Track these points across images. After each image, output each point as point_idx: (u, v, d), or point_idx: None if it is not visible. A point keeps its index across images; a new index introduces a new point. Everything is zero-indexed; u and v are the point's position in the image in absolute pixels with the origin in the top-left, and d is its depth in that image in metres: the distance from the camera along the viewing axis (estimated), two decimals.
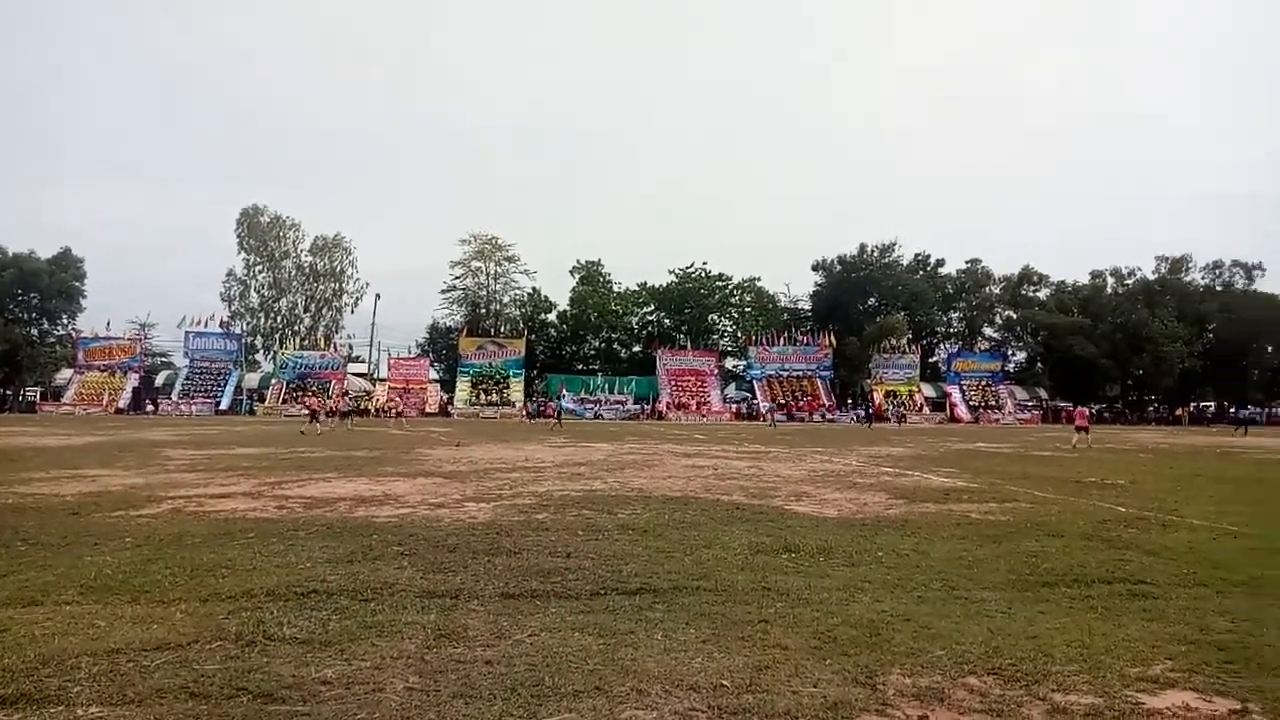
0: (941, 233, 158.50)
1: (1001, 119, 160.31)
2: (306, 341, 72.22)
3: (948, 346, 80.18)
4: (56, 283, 71.66)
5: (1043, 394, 74.53)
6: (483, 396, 65.37)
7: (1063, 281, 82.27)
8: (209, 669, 4.48)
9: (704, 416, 62.10)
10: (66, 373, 66.05)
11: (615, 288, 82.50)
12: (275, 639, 5.03)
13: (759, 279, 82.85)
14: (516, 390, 66.44)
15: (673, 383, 67.24)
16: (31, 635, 5.02)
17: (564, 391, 65.19)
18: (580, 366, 79.56)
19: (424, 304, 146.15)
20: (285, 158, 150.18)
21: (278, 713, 3.96)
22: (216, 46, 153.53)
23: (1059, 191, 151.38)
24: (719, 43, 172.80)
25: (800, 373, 68.88)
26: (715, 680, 4.40)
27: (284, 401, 62.20)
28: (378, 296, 76.53)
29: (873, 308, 79.30)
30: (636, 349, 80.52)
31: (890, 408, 62.42)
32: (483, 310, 79.29)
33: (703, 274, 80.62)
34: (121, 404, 61.87)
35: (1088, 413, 31.78)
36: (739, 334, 79.24)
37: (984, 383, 70.19)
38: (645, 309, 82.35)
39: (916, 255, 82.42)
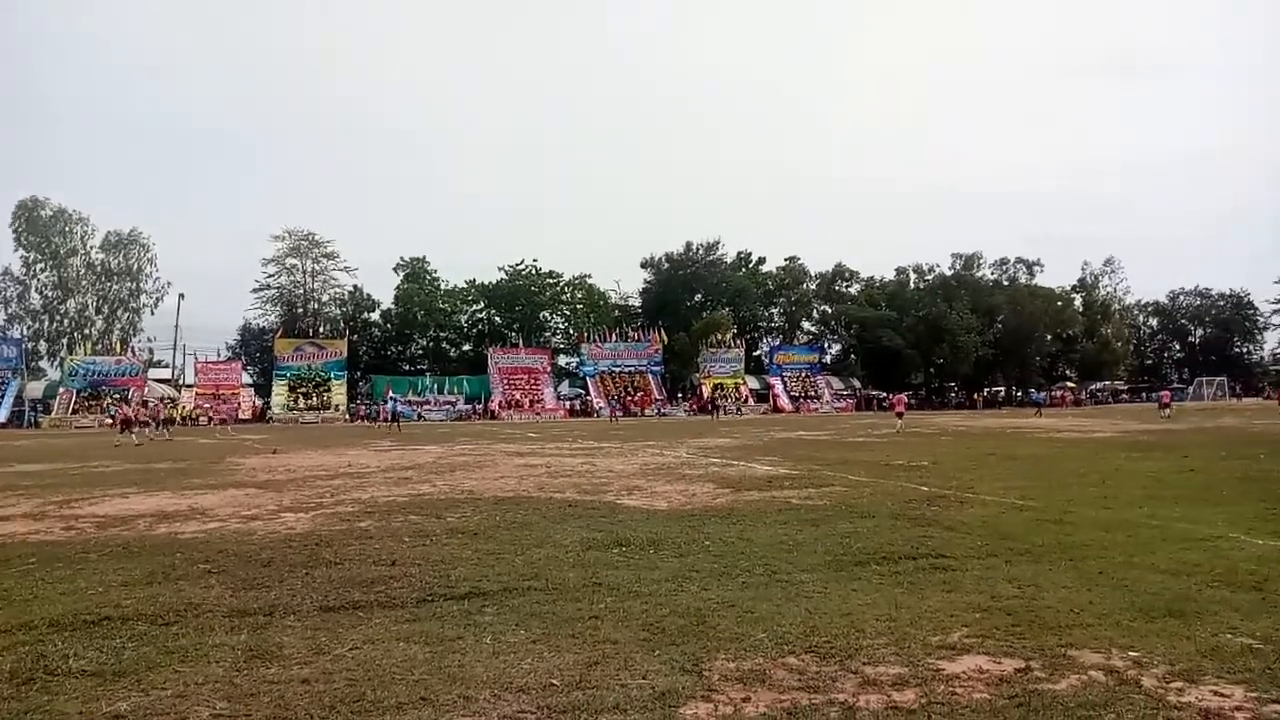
0: (760, 231, 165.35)
1: (799, 123, 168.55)
2: (100, 346, 65.96)
3: (770, 340, 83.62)
4: None
5: (856, 384, 79.25)
6: (302, 400, 62.10)
7: (872, 278, 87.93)
8: None
9: (538, 415, 61.76)
10: None
11: (443, 285, 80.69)
12: (59, 673, 4.56)
13: (590, 276, 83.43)
14: (339, 393, 63.52)
15: (505, 381, 66.46)
16: None
17: (390, 393, 63.00)
18: (407, 367, 77.20)
19: (235, 304, 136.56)
20: (68, 147, 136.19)
21: None
22: None
23: (859, 192, 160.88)
24: (541, 42, 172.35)
25: (632, 368, 69.83)
26: (545, 680, 4.37)
27: (75, 412, 56.58)
28: (181, 296, 71.10)
29: (700, 304, 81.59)
30: (467, 348, 79.02)
31: (725, 402, 64.31)
32: (300, 310, 75.29)
33: (533, 271, 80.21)
34: None
35: (905, 399, 34.24)
36: (571, 331, 79.36)
37: (804, 374, 73.76)
38: (475, 307, 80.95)
39: (739, 253, 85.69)
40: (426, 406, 62.10)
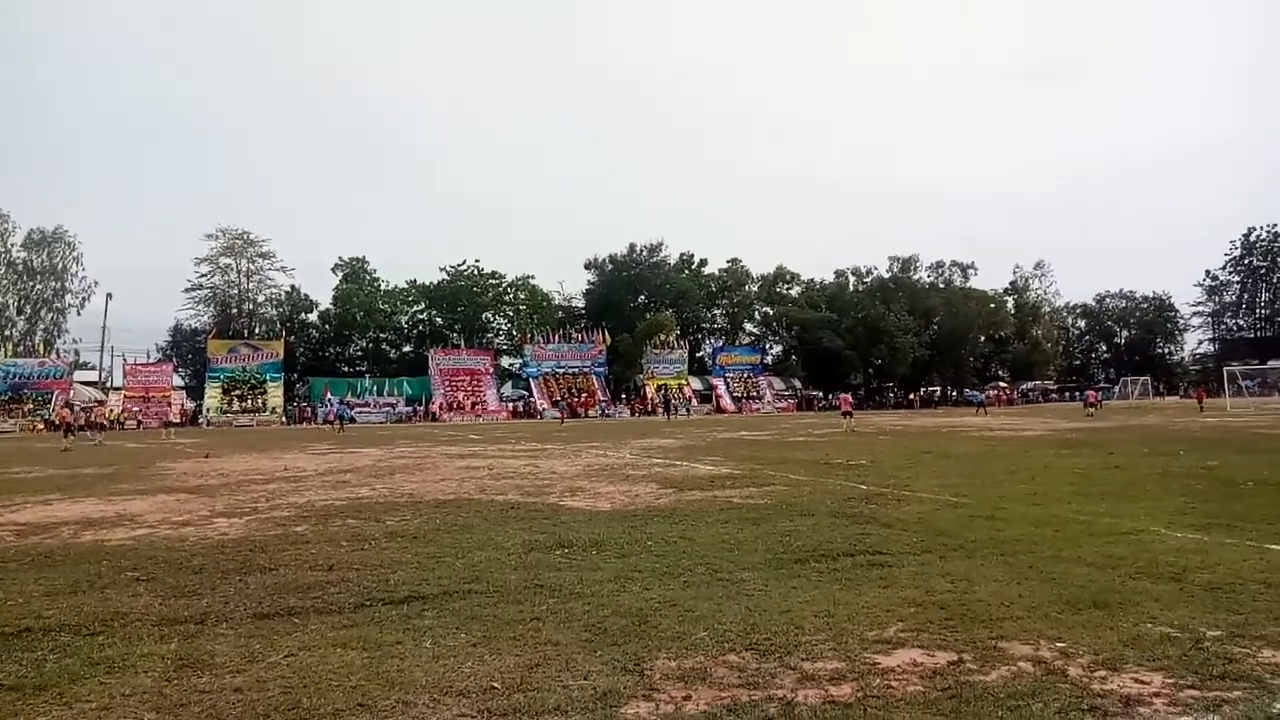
0: (703, 233, 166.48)
1: (740, 126, 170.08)
2: (21, 347, 63.43)
3: (713, 341, 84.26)
4: None
5: (797, 384, 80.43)
6: (237, 403, 60.56)
7: (812, 280, 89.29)
8: None
9: (480, 416, 61.24)
10: None
11: (383, 286, 79.55)
12: None
13: (533, 277, 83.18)
14: (275, 395, 62.10)
15: (446, 383, 65.73)
16: None
17: (329, 395, 61.85)
18: (346, 368, 75.93)
19: (166, 305, 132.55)
20: None
21: None
22: None
23: (802, 194, 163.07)
24: (483, 41, 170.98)
25: (576, 369, 69.70)
26: (485, 683, 4.34)
27: None
28: (109, 296, 68.95)
29: (643, 305, 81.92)
30: (407, 349, 78.10)
31: (678, 402, 64.46)
32: (234, 310, 73.57)
33: (475, 272, 79.61)
34: None
35: (851, 399, 34.99)
36: (514, 332, 78.96)
37: (746, 375, 74.53)
38: (415, 307, 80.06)
39: (682, 255, 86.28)
40: (366, 409, 61.10)
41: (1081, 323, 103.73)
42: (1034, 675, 4.32)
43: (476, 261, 79.74)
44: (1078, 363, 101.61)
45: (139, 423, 52.58)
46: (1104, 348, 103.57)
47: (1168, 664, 4.44)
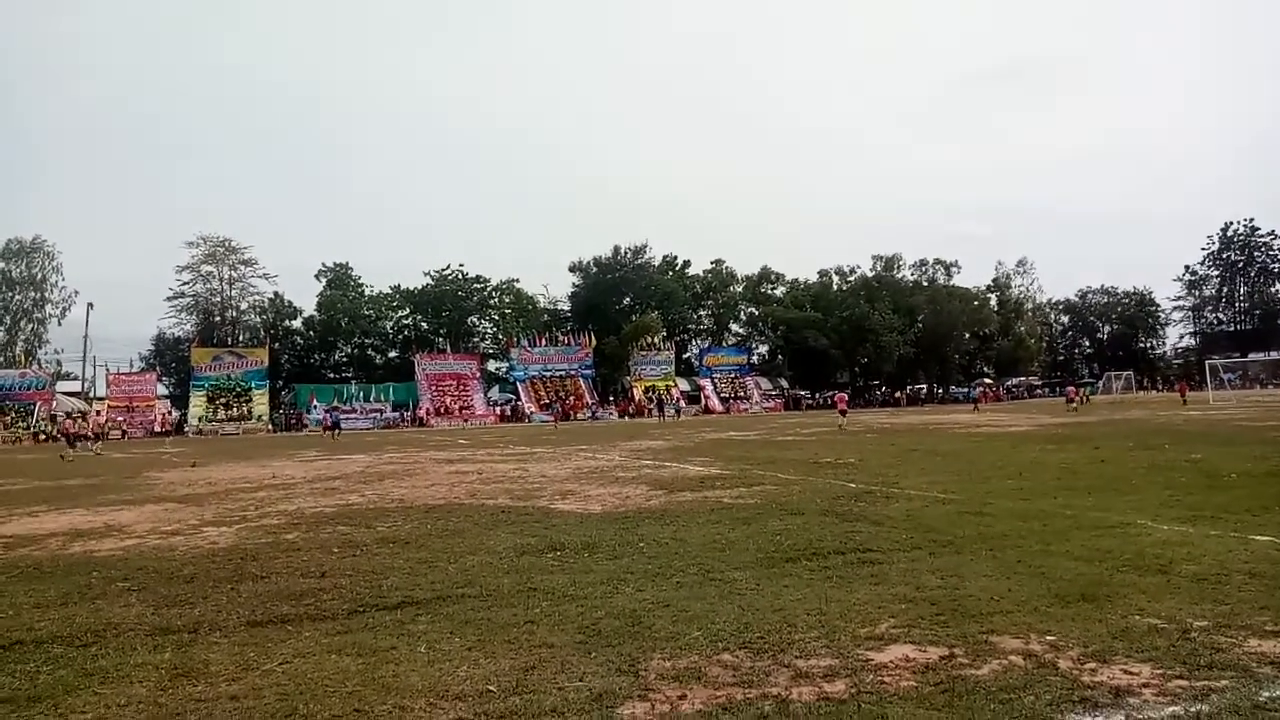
0: (687, 234, 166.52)
1: (724, 126, 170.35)
2: (1, 359, 62.84)
3: (699, 342, 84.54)
4: None
5: (784, 384, 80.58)
6: (222, 411, 60.13)
7: (797, 280, 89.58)
8: None
9: (468, 421, 61.06)
10: None
11: (368, 291, 79.24)
12: None
13: (518, 280, 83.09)
14: (260, 403, 61.67)
15: (433, 388, 65.50)
16: None
17: (315, 401, 61.52)
18: (331, 375, 75.56)
19: (149, 314, 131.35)
20: None
21: None
22: None
23: (782, 194, 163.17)
24: (466, 43, 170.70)
25: (563, 372, 69.58)
26: (481, 687, 4.35)
27: None
28: (90, 306, 68.56)
29: (629, 307, 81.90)
30: (393, 354, 77.85)
31: (669, 403, 64.45)
32: (218, 318, 73.09)
33: (459, 276, 79.42)
34: None
35: (846, 397, 35.34)
36: (500, 336, 78.79)
37: (733, 375, 74.59)
38: (401, 313, 79.83)
39: (665, 257, 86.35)
40: (352, 415, 60.77)
41: (1065, 318, 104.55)
42: (1025, 668, 4.37)
43: (461, 265, 79.67)
44: (1061, 358, 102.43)
45: (124, 433, 52.09)
46: (1087, 343, 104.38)
47: (1156, 655, 4.50)
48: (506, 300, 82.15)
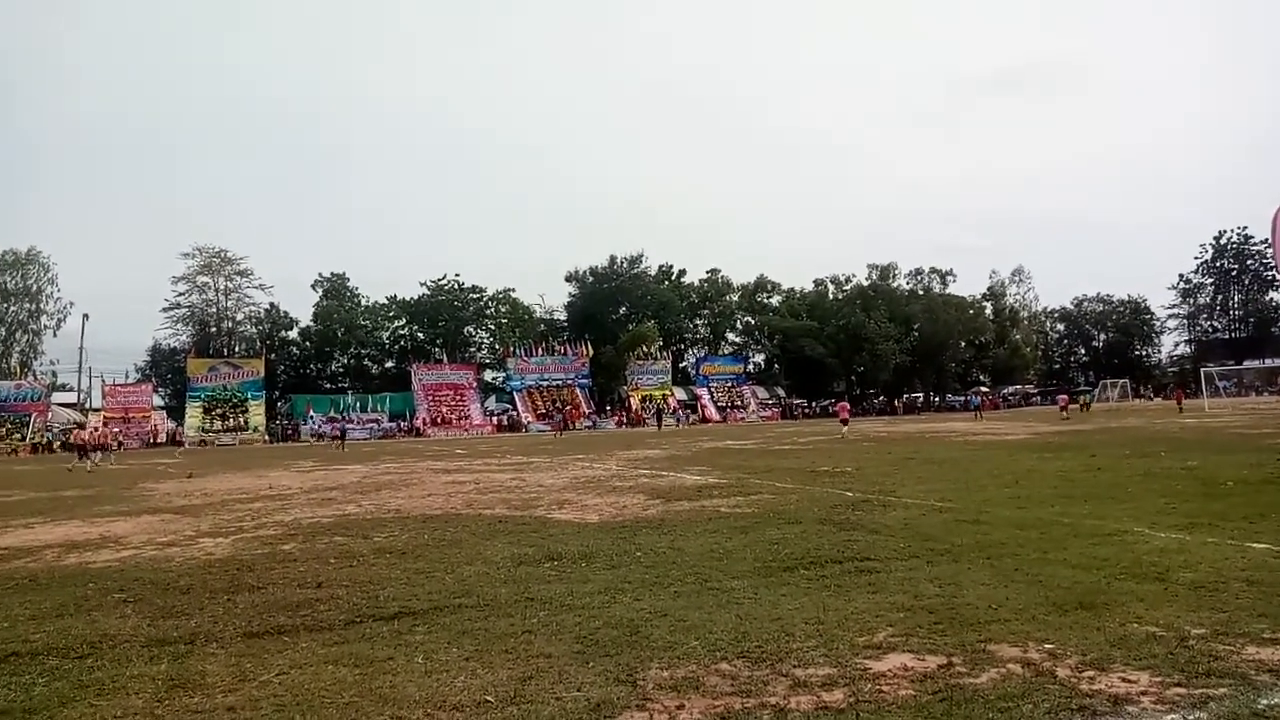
0: (683, 243, 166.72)
1: (722, 135, 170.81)
2: None
3: (695, 351, 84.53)
4: None
5: (780, 393, 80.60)
6: (219, 422, 60.00)
7: (792, 289, 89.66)
8: None
9: (465, 431, 61.00)
10: None
11: (364, 302, 79.25)
12: None
13: (514, 290, 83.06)
14: (256, 414, 61.56)
15: (430, 398, 65.43)
16: None
17: (311, 412, 61.46)
18: (328, 385, 75.45)
19: (144, 325, 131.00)
20: None
21: None
22: None
23: (778, 203, 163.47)
24: (462, 54, 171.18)
25: (560, 382, 69.59)
26: (478, 697, 4.34)
27: None
28: (85, 317, 68.17)
29: (625, 316, 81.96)
30: (389, 365, 77.76)
31: (667, 414, 64.39)
32: (213, 329, 72.99)
33: (455, 286, 79.38)
34: None
35: (848, 406, 35.51)
36: (497, 346, 78.76)
37: (729, 384, 74.67)
38: (397, 323, 79.77)
39: (661, 266, 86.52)
40: (349, 425, 60.66)
41: (1060, 327, 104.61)
42: (1023, 677, 4.37)
43: (457, 276, 79.65)
44: (1057, 366, 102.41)
45: (120, 443, 51.93)
46: (1083, 351, 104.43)
47: (1154, 663, 4.50)
48: (503, 310, 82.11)
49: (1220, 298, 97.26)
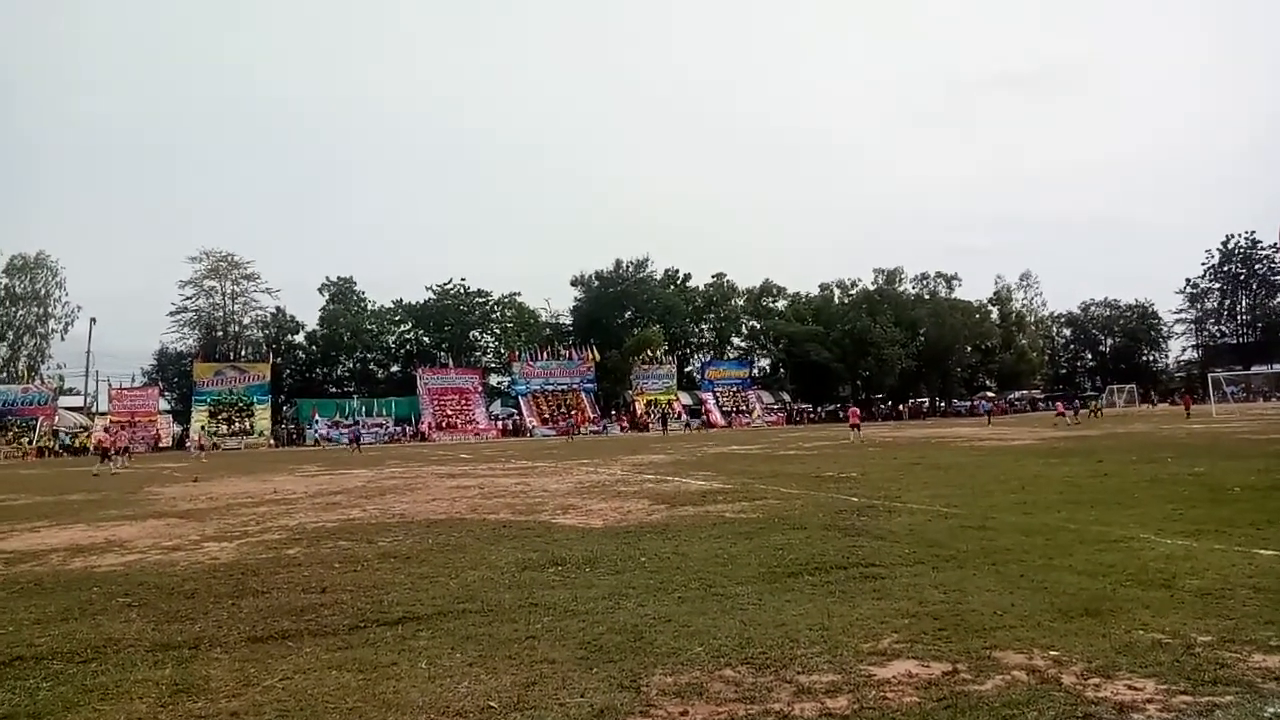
0: (688, 248, 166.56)
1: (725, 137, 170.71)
2: (5, 374, 62.93)
3: (701, 356, 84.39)
4: None
5: (786, 397, 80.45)
6: (224, 426, 60.12)
7: (798, 293, 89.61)
8: None
9: (470, 435, 61.03)
10: None
11: (370, 306, 79.40)
12: None
13: (519, 294, 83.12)
14: (262, 418, 61.67)
15: (435, 402, 65.47)
16: None
17: (317, 416, 61.55)
18: (333, 389, 75.58)
19: (151, 329, 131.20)
20: None
21: None
22: None
23: (783, 207, 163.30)
24: (467, 55, 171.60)
25: (565, 386, 69.58)
26: (482, 703, 4.34)
27: None
28: (93, 321, 68.50)
29: (630, 321, 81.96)
30: (395, 369, 77.90)
31: (673, 420, 64.29)
32: (220, 333, 73.16)
33: (461, 290, 79.48)
34: None
35: (859, 411, 35.46)
36: (502, 350, 78.85)
37: (734, 389, 74.56)
38: (403, 327, 79.90)
39: (667, 270, 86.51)
40: (362, 430, 60.78)
41: (1067, 331, 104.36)
42: (1028, 684, 4.35)
43: (463, 280, 79.77)
44: (1064, 371, 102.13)
45: (127, 447, 52.08)
46: (1089, 356, 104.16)
47: (1160, 670, 4.48)
48: (508, 314, 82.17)
49: (1228, 303, 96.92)
